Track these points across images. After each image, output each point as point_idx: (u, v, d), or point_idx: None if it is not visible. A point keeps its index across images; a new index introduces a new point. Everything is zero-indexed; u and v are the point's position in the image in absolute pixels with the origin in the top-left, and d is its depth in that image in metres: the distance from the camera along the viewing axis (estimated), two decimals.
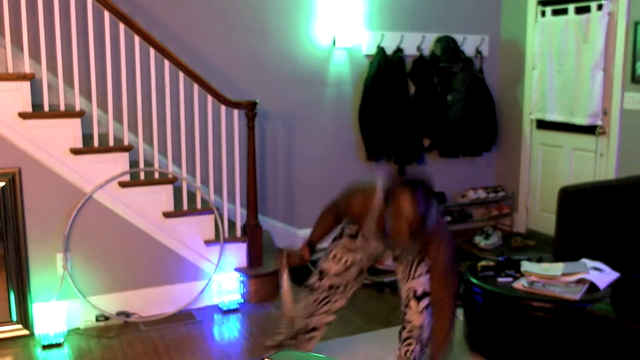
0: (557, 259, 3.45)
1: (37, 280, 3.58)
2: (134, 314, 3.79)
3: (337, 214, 2.93)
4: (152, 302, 3.84)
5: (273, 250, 4.53)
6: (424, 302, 2.80)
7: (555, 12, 5.21)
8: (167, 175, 3.88)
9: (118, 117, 3.91)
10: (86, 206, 3.63)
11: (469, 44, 5.55)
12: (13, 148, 3.45)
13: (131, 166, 3.76)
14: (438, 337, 2.77)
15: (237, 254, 4.09)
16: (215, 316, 3.87)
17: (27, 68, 3.49)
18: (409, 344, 2.80)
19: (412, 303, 2.80)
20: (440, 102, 5.39)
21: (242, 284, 4.02)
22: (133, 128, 4.03)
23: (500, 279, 3.19)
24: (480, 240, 5.27)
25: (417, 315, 2.79)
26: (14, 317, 3.54)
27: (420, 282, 2.81)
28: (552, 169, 5.43)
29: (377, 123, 5.13)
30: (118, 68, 3.76)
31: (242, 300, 4.02)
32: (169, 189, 3.87)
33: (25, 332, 3.56)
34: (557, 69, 5.17)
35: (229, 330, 3.73)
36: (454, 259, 2.76)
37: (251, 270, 4.09)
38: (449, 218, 5.60)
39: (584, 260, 3.21)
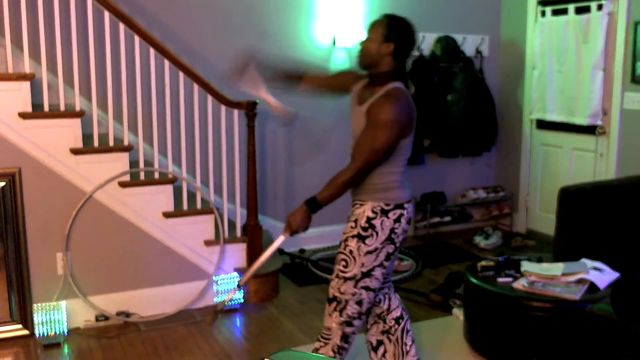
0: (557, 259, 3.45)
1: (37, 280, 3.58)
2: (134, 314, 3.79)
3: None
4: (152, 302, 3.84)
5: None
6: (332, 305, 2.66)
7: (555, 12, 5.21)
8: (167, 175, 3.88)
9: (118, 117, 3.91)
10: (86, 206, 3.63)
11: (469, 44, 5.55)
12: (13, 148, 3.44)
13: (131, 166, 3.76)
14: (330, 184, 2.56)
15: (237, 254, 4.08)
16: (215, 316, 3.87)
17: (27, 68, 3.49)
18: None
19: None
20: (440, 102, 5.39)
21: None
22: (133, 128, 4.03)
23: (500, 279, 3.19)
24: (480, 240, 5.27)
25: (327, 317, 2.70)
26: (14, 317, 3.54)
27: (334, 283, 2.66)
28: (552, 169, 5.43)
29: None
30: (118, 68, 3.76)
31: (242, 300, 4.02)
32: (169, 189, 3.87)
33: (25, 332, 3.56)
34: (557, 69, 5.17)
35: (229, 330, 3.73)
36: (393, 127, 2.45)
37: None
38: (449, 218, 5.61)
39: (584, 260, 3.21)
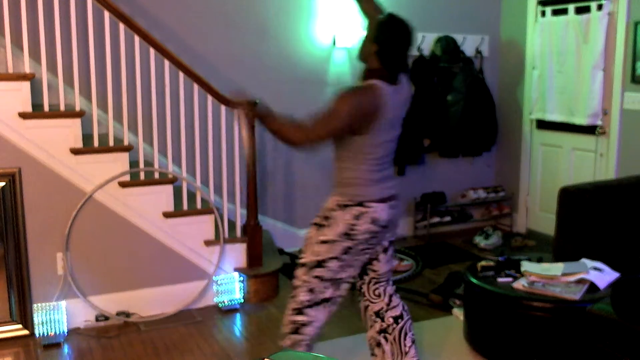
0: (557, 259, 3.45)
1: (37, 280, 3.58)
2: (134, 314, 3.79)
3: None
4: (152, 302, 3.84)
5: (273, 250, 4.53)
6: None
7: (555, 12, 5.21)
8: (167, 175, 3.88)
9: (118, 117, 3.91)
10: (86, 206, 3.63)
11: (469, 44, 5.55)
12: (13, 148, 3.45)
13: (131, 166, 3.76)
14: (289, 126, 2.50)
15: (237, 254, 4.08)
16: (215, 316, 3.87)
17: (27, 68, 3.49)
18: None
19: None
20: (440, 102, 5.39)
21: (242, 284, 4.02)
22: (133, 128, 4.03)
23: (500, 279, 3.19)
24: (480, 240, 5.27)
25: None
26: (14, 317, 3.54)
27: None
28: (552, 169, 5.43)
29: None
30: (118, 68, 3.76)
31: (242, 300, 4.02)
32: (169, 189, 3.86)
33: (25, 332, 3.56)
34: (557, 69, 5.17)
35: (229, 330, 3.73)
36: (342, 119, 2.41)
37: (251, 270, 4.09)
38: (449, 218, 5.61)
39: (584, 260, 3.21)
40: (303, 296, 2.64)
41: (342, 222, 2.56)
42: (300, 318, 2.65)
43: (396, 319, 2.79)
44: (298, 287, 2.65)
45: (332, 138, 2.53)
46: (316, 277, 2.62)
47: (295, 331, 2.65)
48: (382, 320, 2.80)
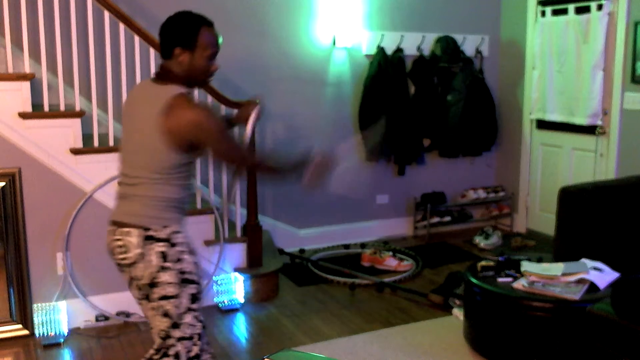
0: (557, 259, 3.45)
1: (37, 280, 3.58)
2: (134, 314, 3.79)
3: None
4: None
5: (273, 250, 4.53)
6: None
7: (555, 12, 5.21)
8: None
9: (118, 117, 3.91)
10: (86, 206, 3.63)
11: (469, 44, 5.55)
12: (13, 148, 3.44)
13: None
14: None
15: (237, 254, 4.08)
16: (215, 316, 3.87)
17: (27, 68, 3.49)
18: None
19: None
20: (440, 102, 5.39)
21: (246, 283, 4.02)
22: None
23: (500, 279, 3.19)
24: (480, 240, 5.27)
25: None
26: (14, 317, 3.54)
27: None
28: (552, 169, 5.43)
29: (377, 123, 5.13)
30: (118, 68, 3.76)
31: (242, 300, 4.02)
32: None
33: (25, 332, 3.56)
34: (557, 69, 5.17)
35: (229, 330, 3.73)
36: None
37: (251, 270, 4.09)
38: (449, 218, 5.61)
39: (584, 260, 3.21)
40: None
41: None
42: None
43: None
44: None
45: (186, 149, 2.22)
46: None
47: None
48: None
